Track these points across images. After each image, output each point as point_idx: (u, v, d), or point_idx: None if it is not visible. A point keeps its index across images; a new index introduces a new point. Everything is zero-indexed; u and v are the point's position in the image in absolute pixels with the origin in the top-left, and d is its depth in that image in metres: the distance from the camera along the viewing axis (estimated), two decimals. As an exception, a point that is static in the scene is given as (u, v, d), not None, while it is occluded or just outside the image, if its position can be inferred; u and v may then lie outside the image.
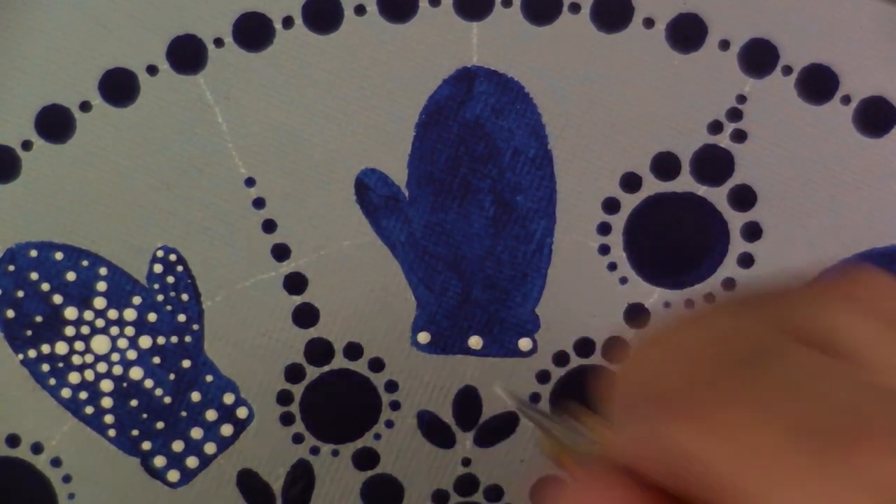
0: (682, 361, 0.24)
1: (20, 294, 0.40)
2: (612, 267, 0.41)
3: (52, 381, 0.41)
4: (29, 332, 0.40)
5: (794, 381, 0.23)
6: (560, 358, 0.41)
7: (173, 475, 0.41)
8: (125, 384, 0.41)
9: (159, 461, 0.41)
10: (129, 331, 0.41)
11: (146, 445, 0.41)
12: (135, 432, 0.41)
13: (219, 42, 0.40)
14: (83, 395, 0.41)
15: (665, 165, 0.41)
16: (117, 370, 0.41)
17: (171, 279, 0.41)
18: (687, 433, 0.23)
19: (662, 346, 0.25)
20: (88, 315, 0.40)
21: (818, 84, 0.41)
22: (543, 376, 0.41)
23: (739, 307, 0.26)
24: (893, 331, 0.24)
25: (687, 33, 0.41)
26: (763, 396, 0.23)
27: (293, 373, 0.41)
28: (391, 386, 0.41)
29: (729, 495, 0.23)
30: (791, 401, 0.23)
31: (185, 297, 0.41)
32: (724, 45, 0.41)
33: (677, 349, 0.24)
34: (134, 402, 0.41)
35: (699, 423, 0.23)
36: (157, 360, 0.41)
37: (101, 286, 0.40)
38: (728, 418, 0.23)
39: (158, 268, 0.41)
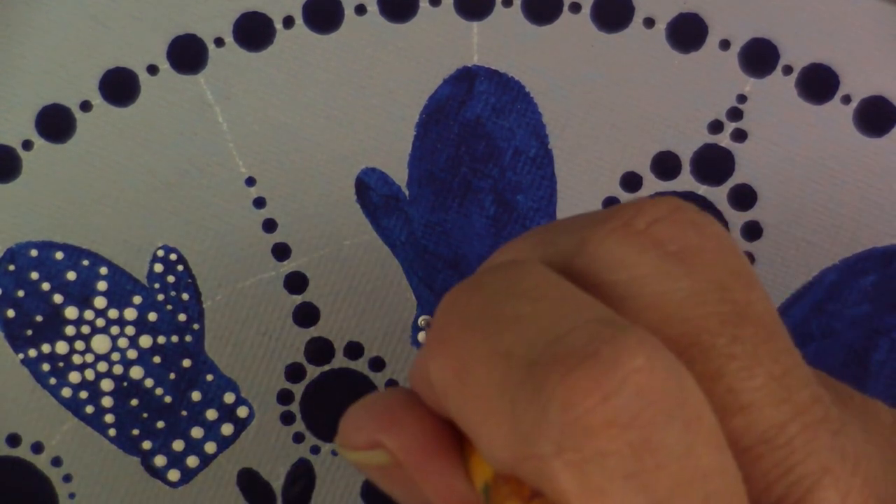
0: (461, 294, 0.25)
1: (20, 294, 0.40)
2: (613, 266, 0.41)
3: (53, 381, 0.41)
4: (29, 332, 0.40)
5: (523, 311, 0.23)
6: (560, 357, 0.41)
7: (174, 474, 0.41)
8: (125, 383, 0.41)
9: (160, 460, 0.41)
10: (130, 330, 0.41)
11: (146, 445, 0.41)
12: (135, 432, 0.41)
13: (219, 42, 0.40)
14: (83, 394, 0.41)
15: (665, 165, 0.41)
16: (118, 369, 0.41)
17: (171, 279, 0.41)
18: (428, 357, 0.24)
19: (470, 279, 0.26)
20: (89, 314, 0.40)
21: (818, 84, 0.41)
22: (544, 376, 0.41)
23: (532, 238, 0.26)
24: (665, 262, 0.24)
25: (687, 33, 0.41)
26: (487, 326, 0.23)
27: (294, 372, 0.41)
28: (392, 385, 0.41)
29: (453, 416, 0.24)
30: (514, 330, 0.23)
31: (185, 296, 0.41)
32: (725, 44, 0.41)
33: (470, 281, 0.25)
34: (134, 402, 0.41)
35: (434, 348, 0.24)
36: (157, 359, 0.41)
37: (102, 286, 0.40)
38: (453, 346, 0.24)
39: (159, 267, 0.41)
